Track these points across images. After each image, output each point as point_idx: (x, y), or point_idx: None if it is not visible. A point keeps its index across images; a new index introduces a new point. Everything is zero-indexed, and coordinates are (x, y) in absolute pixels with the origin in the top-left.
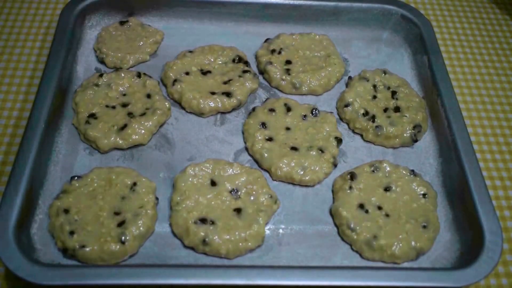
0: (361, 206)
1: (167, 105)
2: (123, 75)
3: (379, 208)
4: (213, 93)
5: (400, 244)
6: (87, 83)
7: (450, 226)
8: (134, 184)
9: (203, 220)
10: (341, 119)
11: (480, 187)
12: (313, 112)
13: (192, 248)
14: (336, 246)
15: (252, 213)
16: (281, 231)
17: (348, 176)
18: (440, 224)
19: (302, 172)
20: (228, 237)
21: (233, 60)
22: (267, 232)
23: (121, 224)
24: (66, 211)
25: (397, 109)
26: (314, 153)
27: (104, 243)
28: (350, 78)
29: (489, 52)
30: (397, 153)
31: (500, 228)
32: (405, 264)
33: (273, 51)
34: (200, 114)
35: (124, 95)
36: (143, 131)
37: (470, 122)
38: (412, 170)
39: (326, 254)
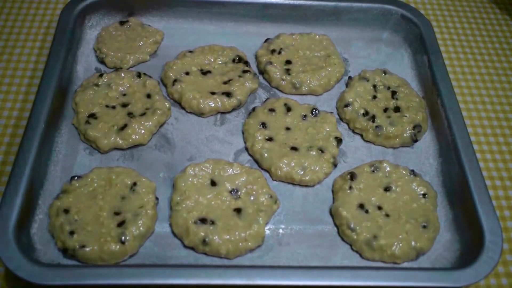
0: (361, 206)
1: (167, 105)
2: (123, 75)
3: (379, 208)
4: (213, 93)
5: (400, 244)
6: (87, 83)
7: (450, 226)
8: (134, 184)
9: (203, 220)
10: (341, 119)
11: (480, 187)
12: (313, 112)
13: (192, 248)
14: (336, 246)
15: (252, 213)
16: (281, 231)
17: (348, 176)
18: (440, 224)
19: (302, 172)
20: (228, 237)
21: (233, 60)
22: (267, 232)
23: (121, 224)
24: (66, 211)
25: (397, 109)
26: (314, 153)
27: (104, 243)
28: (350, 78)
29: (489, 52)
30: (397, 153)
31: (500, 228)
32: (405, 264)
33: (273, 51)
34: (200, 114)
35: (124, 95)
36: (143, 131)
37: (470, 122)
38: (412, 170)
39: (326, 254)
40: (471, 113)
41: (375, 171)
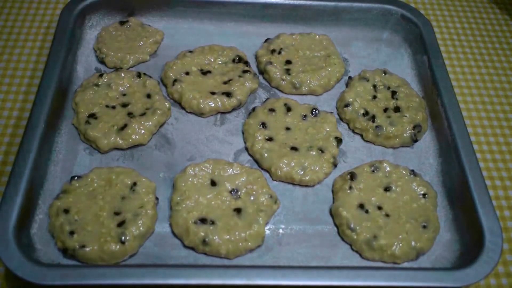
0: (361, 206)
1: (167, 105)
2: (123, 75)
3: (379, 208)
4: (213, 93)
5: (400, 244)
6: (87, 83)
7: (450, 226)
8: (134, 184)
9: (203, 220)
10: (341, 119)
11: (480, 187)
12: (313, 112)
13: (192, 248)
14: (336, 246)
15: (252, 213)
16: (281, 231)
17: (348, 176)
18: (440, 224)
19: (302, 172)
20: (228, 237)
21: (233, 60)
22: (267, 232)
23: (121, 224)
24: (66, 211)
25: (397, 109)
26: (314, 153)
27: (104, 243)
28: (350, 78)
29: (489, 52)
30: (397, 153)
31: (500, 228)
32: (405, 264)
33: (273, 51)
34: (200, 114)
35: (124, 95)
36: (143, 131)
37: (470, 122)
38: (412, 170)
39: (326, 254)
40: (471, 113)
41: (375, 171)
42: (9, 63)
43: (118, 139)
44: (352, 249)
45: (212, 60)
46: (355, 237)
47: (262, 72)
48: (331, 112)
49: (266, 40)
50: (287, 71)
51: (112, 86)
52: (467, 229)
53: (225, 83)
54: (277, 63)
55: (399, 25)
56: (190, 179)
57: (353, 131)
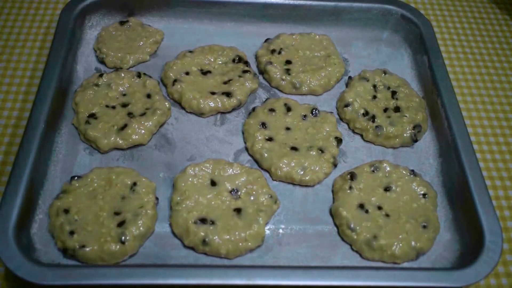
0: (361, 206)
1: (167, 105)
2: (123, 75)
3: (379, 208)
4: (213, 93)
5: (400, 244)
6: (87, 83)
7: (450, 226)
8: (134, 184)
9: (203, 220)
10: (341, 119)
11: (480, 187)
12: (313, 112)
13: (192, 248)
14: (336, 246)
15: (252, 213)
16: (281, 231)
17: (348, 176)
18: (440, 224)
19: (302, 172)
20: (228, 237)
21: (233, 60)
22: (267, 232)
23: (121, 224)
24: (66, 211)
25: (397, 109)
26: (314, 153)
27: (104, 243)
28: (350, 78)
29: (489, 52)
30: (397, 153)
31: (500, 228)
32: (405, 264)
33: (273, 51)
34: (200, 114)
35: (124, 95)
36: (143, 131)
37: (470, 122)
38: (412, 170)
39: (326, 254)
40: (471, 113)
41: (375, 171)
42: (9, 63)
43: (118, 139)
44: (352, 249)
45: (212, 60)
46: (355, 237)
47: (262, 72)
48: (331, 112)
49: (266, 40)
50: (287, 71)
51: (112, 86)
52: (467, 229)
53: (225, 83)
54: (277, 63)
55: (399, 25)
56: (190, 179)
57: (353, 131)
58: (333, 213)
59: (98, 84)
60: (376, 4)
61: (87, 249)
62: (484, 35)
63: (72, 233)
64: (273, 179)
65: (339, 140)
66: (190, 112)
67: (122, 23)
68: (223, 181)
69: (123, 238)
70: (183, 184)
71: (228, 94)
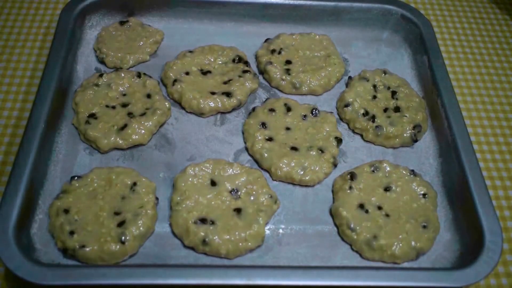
0: (361, 206)
1: (167, 105)
2: (123, 75)
3: (379, 208)
4: (213, 93)
5: (400, 244)
6: (87, 83)
7: (450, 226)
8: (134, 184)
9: (203, 220)
10: (341, 119)
11: (480, 187)
12: (313, 112)
13: (192, 248)
14: (336, 246)
15: (252, 213)
16: (281, 231)
17: (348, 176)
18: (440, 224)
19: (302, 172)
20: (228, 237)
21: (233, 60)
22: (267, 232)
23: (121, 224)
24: (66, 211)
25: (397, 109)
26: (314, 153)
27: (104, 243)
28: (350, 78)
29: (489, 52)
30: (397, 153)
31: (500, 228)
32: (405, 264)
33: (273, 51)
34: (200, 114)
35: (124, 95)
36: (143, 131)
37: (470, 122)
38: (412, 170)
39: (326, 254)
40: (471, 113)
41: (375, 171)
42: (9, 63)
43: (118, 139)
44: (352, 249)
45: (212, 60)
46: (355, 237)
47: (262, 72)
48: (331, 112)
49: (266, 40)
50: (287, 71)
51: (112, 86)
52: (467, 229)
53: (225, 83)
54: (277, 63)
55: (399, 25)
56: (190, 179)
57: (353, 131)
58: (333, 213)
59: (98, 84)
60: (376, 4)
61: (87, 249)
62: (484, 35)
63: (72, 233)
64: (273, 179)
65: (339, 140)
66: (190, 112)
67: (122, 23)
68: (223, 181)
69: (123, 238)
70: (183, 184)
71: (228, 94)
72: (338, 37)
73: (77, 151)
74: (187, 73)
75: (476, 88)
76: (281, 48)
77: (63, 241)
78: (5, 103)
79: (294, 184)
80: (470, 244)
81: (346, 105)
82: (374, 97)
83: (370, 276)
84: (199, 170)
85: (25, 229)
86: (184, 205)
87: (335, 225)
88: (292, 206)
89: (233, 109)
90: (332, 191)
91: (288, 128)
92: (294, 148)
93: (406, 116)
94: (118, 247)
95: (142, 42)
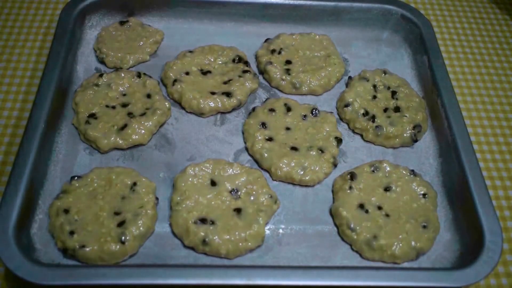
0: (361, 206)
1: (167, 105)
2: (123, 75)
3: (379, 208)
4: (213, 93)
5: (400, 244)
6: (87, 83)
7: (450, 226)
8: (134, 184)
9: (203, 220)
10: (341, 119)
11: (480, 187)
12: (313, 112)
13: (192, 248)
14: (336, 246)
15: (252, 213)
16: (281, 231)
17: (348, 176)
18: (440, 224)
19: (302, 172)
20: (228, 237)
21: (233, 60)
22: (267, 232)
23: (121, 224)
24: (66, 211)
25: (397, 109)
26: (314, 153)
27: (104, 243)
28: (350, 78)
29: (489, 52)
30: (397, 153)
31: (500, 228)
32: (405, 264)
33: (273, 51)
34: (200, 114)
35: (124, 95)
36: (143, 131)
37: (470, 122)
38: (412, 170)
39: (326, 254)
40: (471, 113)
41: (375, 171)
42: (9, 63)
43: (118, 139)
44: (352, 249)
45: (212, 60)
46: (355, 237)
47: (262, 72)
48: (331, 112)
49: (266, 40)
50: (287, 71)
51: (112, 86)
52: (467, 229)
53: (225, 83)
54: (277, 63)
55: (399, 25)
56: (190, 179)
57: (353, 131)
58: (333, 213)
59: (98, 84)
60: (376, 4)
61: (87, 249)
62: (484, 35)
63: (72, 233)
64: (273, 179)
65: (339, 140)
66: (190, 112)
67: (122, 23)
68: (223, 181)
69: (123, 238)
70: (183, 184)
71: (228, 94)
72: (338, 37)
73: (77, 151)
74: (187, 73)
75: (476, 88)
76: (281, 48)
77: (63, 241)
78: (5, 103)
79: (294, 184)
80: (470, 244)
81: (346, 105)
82: (374, 97)
83: (370, 276)
84: (199, 170)
85: (25, 229)
86: (184, 205)
87: (335, 225)
88: (292, 206)
89: (233, 109)
90: (332, 191)
91: (288, 128)
92: (294, 148)
93: (406, 116)
94: (118, 247)
95: (142, 42)
